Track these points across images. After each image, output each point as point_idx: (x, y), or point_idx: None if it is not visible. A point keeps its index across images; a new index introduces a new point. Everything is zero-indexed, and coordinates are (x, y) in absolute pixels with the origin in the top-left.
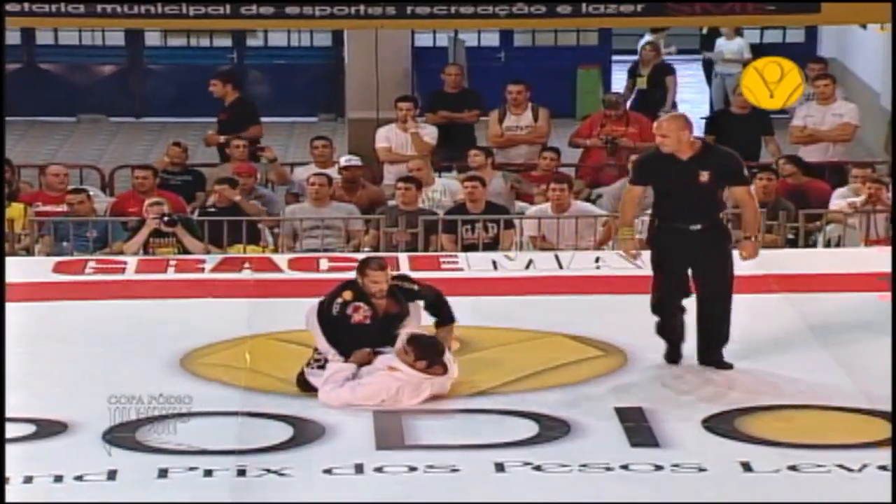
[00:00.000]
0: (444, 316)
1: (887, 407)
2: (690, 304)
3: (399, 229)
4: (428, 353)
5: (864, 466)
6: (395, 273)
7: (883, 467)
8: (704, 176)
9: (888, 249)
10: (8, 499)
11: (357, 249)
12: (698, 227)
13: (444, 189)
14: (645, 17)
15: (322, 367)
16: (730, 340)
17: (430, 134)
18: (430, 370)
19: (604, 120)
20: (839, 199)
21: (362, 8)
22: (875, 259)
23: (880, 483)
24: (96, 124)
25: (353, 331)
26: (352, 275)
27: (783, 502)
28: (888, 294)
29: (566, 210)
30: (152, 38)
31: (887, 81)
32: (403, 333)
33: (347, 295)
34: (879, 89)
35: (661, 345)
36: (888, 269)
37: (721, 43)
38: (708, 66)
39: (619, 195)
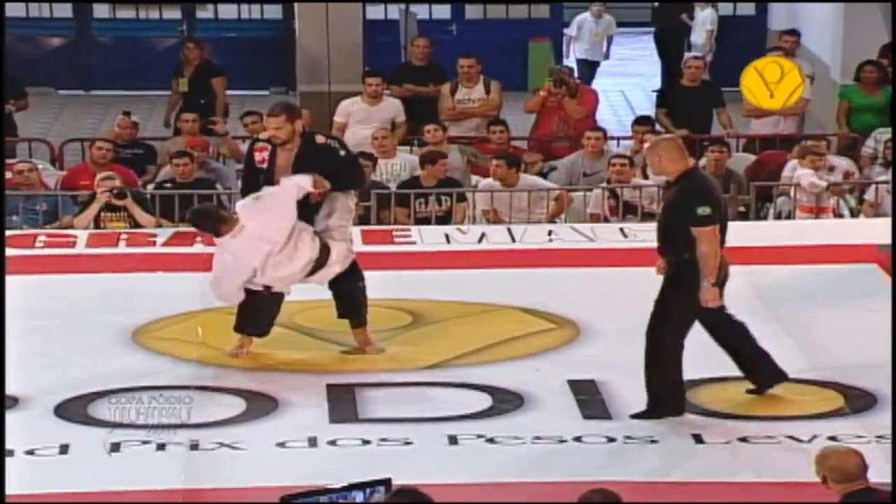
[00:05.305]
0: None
1: (838, 378)
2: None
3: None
4: (202, 222)
5: (814, 437)
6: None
7: (832, 438)
8: None
9: (839, 221)
10: None
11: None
12: None
13: (404, 163)
14: None
15: None
16: None
17: (395, 107)
18: (225, 230)
19: (552, 88)
20: (790, 172)
21: None
22: (825, 230)
23: None
24: (44, 97)
25: (255, 171)
26: None
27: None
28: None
29: (511, 185)
30: (100, 10)
31: (837, 54)
32: None
33: (265, 134)
34: (829, 62)
35: (612, 316)
36: (838, 240)
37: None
38: (659, 39)
39: (573, 169)
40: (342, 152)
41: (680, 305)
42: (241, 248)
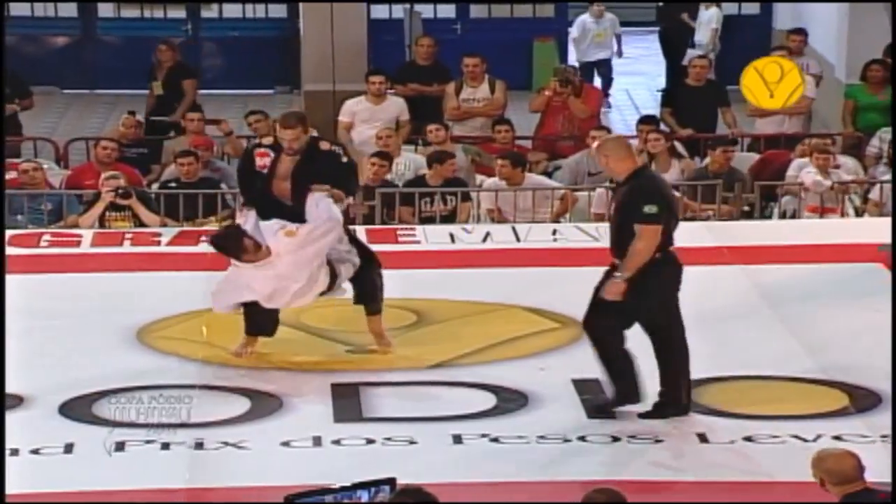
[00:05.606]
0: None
1: (842, 378)
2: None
3: (356, 201)
4: (224, 247)
5: (819, 437)
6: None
7: (837, 437)
8: None
9: (843, 220)
10: None
11: None
12: None
13: (408, 163)
14: None
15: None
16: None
17: (399, 106)
18: (247, 259)
19: (557, 88)
20: (795, 171)
21: None
22: (829, 230)
23: None
24: (49, 96)
25: (254, 175)
26: None
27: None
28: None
29: (516, 184)
30: (105, 9)
31: (842, 53)
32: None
33: (268, 140)
34: (834, 61)
35: None
36: (842, 239)
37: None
38: (663, 39)
39: (577, 168)
40: (344, 159)
41: (667, 303)
42: (260, 280)
